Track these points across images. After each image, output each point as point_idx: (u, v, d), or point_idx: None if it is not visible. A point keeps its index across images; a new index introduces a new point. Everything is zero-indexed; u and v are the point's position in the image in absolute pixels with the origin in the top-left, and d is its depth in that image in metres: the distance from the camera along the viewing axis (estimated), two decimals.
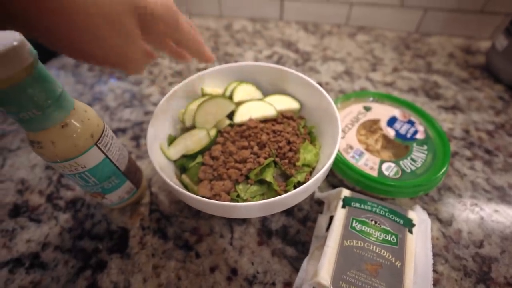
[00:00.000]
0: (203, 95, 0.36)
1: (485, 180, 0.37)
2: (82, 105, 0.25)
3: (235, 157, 0.30)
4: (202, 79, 0.36)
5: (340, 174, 0.33)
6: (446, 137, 0.34)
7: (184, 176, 0.31)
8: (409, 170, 0.32)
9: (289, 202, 0.26)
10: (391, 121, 0.37)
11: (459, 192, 0.36)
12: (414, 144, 0.34)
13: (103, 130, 0.26)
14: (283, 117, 0.35)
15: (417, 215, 0.29)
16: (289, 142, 0.31)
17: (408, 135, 0.35)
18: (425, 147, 0.34)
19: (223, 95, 0.35)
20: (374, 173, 0.31)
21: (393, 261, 0.25)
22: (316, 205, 0.34)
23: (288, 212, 0.34)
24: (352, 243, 0.26)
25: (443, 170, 0.31)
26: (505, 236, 0.32)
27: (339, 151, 0.34)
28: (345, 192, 0.30)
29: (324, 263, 0.24)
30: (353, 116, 0.38)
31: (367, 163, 0.33)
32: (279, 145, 0.31)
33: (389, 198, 0.32)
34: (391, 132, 0.36)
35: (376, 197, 0.32)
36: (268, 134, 0.32)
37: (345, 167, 0.32)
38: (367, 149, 0.34)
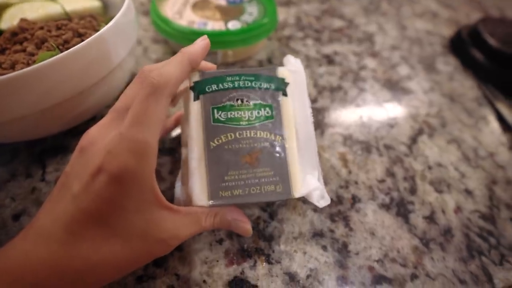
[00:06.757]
0: None
1: (316, 52, 0.40)
2: None
3: (4, 66, 0.23)
4: None
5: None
6: None
7: None
8: (251, 21, 0.35)
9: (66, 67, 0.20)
10: None
11: None
12: (246, 3, 0.38)
13: None
14: (80, 18, 0.28)
15: (288, 69, 0.23)
16: (79, 35, 0.25)
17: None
18: (254, 2, 0.38)
19: None
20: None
21: (273, 138, 0.20)
22: None
23: None
24: (220, 141, 0.20)
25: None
26: (333, 89, 0.36)
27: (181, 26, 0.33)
28: (194, 77, 0.21)
29: (195, 182, 0.19)
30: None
31: (214, 28, 0.34)
32: (64, 38, 0.24)
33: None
34: (222, 2, 0.38)
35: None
36: (49, 31, 0.25)
37: (194, 34, 0.32)
38: (208, 20, 0.35)
